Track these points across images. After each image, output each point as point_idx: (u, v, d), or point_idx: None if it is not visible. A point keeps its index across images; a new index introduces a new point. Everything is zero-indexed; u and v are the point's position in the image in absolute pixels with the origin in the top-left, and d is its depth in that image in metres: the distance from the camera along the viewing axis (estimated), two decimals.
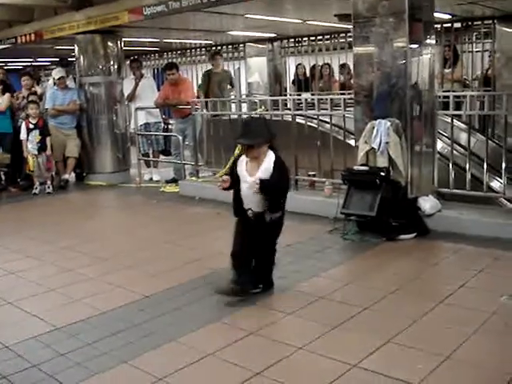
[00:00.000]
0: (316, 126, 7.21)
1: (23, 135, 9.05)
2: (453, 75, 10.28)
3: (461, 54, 10.70)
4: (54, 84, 9.98)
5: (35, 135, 9.03)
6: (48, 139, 9.14)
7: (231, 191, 4.35)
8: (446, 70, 10.28)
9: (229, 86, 10.93)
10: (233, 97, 10.62)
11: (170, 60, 14.81)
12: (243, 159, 4.26)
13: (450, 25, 10.29)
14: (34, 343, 3.72)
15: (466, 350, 3.35)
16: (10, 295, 4.60)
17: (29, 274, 5.18)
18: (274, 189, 4.15)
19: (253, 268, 4.35)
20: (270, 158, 4.15)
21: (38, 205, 8.68)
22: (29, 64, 17.54)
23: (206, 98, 9.96)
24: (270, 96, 11.80)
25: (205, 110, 9.00)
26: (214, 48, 14.09)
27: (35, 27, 10.61)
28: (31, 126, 9.03)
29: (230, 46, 14.04)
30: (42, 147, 9.05)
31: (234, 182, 4.27)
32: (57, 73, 9.94)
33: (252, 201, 4.21)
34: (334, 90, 12.12)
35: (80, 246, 6.04)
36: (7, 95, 9.53)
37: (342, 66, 12.29)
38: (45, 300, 4.53)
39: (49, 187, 9.25)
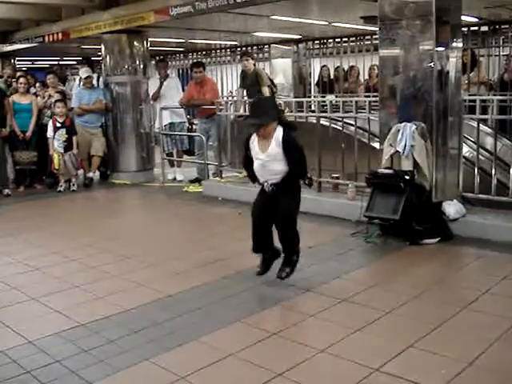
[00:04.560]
0: (340, 128, 7.19)
1: (50, 133, 9.14)
2: (479, 78, 10.19)
3: (479, 59, 10.57)
4: (80, 83, 10.08)
5: (62, 134, 9.11)
6: (74, 138, 9.23)
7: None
8: (471, 74, 10.18)
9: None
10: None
11: (195, 60, 14.86)
12: (254, 138, 4.48)
13: (476, 28, 10.21)
14: (57, 339, 3.76)
15: (488, 357, 3.32)
16: (35, 291, 4.66)
17: (53, 270, 5.24)
18: (297, 171, 4.43)
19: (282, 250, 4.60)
20: (278, 133, 4.35)
21: (62, 202, 8.78)
22: (55, 63, 17.74)
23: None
24: (295, 97, 11.77)
25: (229, 111, 9.00)
26: (241, 49, 14.10)
27: (62, 26, 10.73)
28: (58, 125, 9.12)
29: (254, 47, 14.05)
30: (67, 146, 9.14)
31: (249, 161, 4.55)
32: (84, 72, 10.04)
33: (267, 175, 4.46)
34: (360, 92, 12.08)
35: (104, 243, 6.09)
36: (35, 98, 9.63)
37: None
38: (69, 296, 4.57)
39: (74, 185, 9.34)
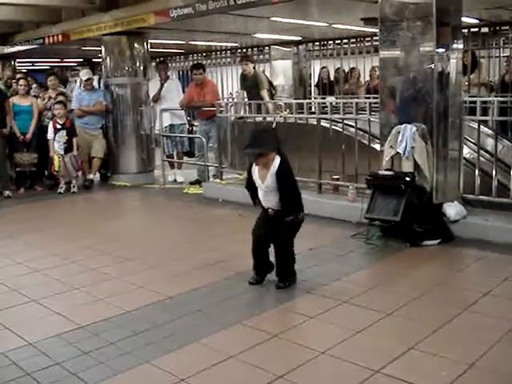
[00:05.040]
0: (341, 129, 7.18)
1: (50, 135, 9.14)
2: (479, 79, 10.19)
3: (479, 60, 10.56)
4: (80, 85, 10.08)
5: (62, 135, 9.11)
6: (75, 140, 9.23)
7: None
8: (471, 76, 10.18)
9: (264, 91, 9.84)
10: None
11: (195, 62, 14.88)
12: (255, 167, 4.55)
13: (477, 29, 10.21)
14: (57, 341, 3.75)
15: (489, 358, 3.31)
16: (35, 293, 4.65)
17: (53, 272, 5.23)
18: (292, 203, 4.48)
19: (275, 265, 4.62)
20: (275, 163, 4.41)
21: (62, 204, 8.77)
22: (56, 65, 17.73)
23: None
24: (295, 99, 11.77)
25: (229, 113, 9.01)
26: (241, 51, 14.12)
27: (63, 28, 10.72)
28: (58, 127, 9.11)
29: (255, 49, 14.06)
30: (68, 147, 9.13)
31: (252, 186, 4.62)
32: (84, 74, 10.05)
33: (270, 202, 4.53)
34: (360, 93, 12.09)
35: (104, 245, 6.08)
36: (35, 100, 9.63)
37: None
38: (69, 298, 4.56)
39: (74, 187, 9.34)
